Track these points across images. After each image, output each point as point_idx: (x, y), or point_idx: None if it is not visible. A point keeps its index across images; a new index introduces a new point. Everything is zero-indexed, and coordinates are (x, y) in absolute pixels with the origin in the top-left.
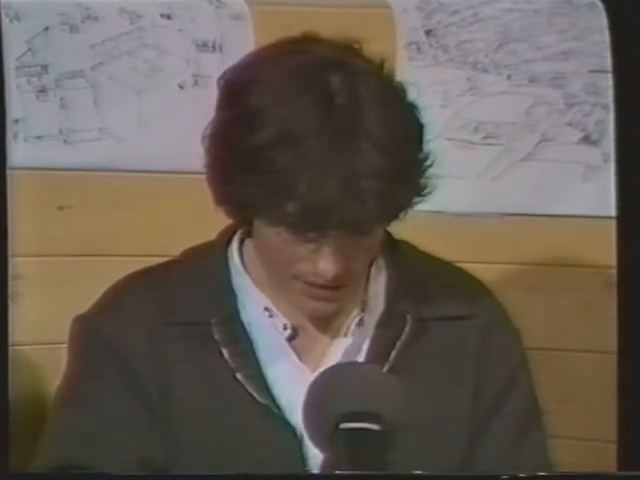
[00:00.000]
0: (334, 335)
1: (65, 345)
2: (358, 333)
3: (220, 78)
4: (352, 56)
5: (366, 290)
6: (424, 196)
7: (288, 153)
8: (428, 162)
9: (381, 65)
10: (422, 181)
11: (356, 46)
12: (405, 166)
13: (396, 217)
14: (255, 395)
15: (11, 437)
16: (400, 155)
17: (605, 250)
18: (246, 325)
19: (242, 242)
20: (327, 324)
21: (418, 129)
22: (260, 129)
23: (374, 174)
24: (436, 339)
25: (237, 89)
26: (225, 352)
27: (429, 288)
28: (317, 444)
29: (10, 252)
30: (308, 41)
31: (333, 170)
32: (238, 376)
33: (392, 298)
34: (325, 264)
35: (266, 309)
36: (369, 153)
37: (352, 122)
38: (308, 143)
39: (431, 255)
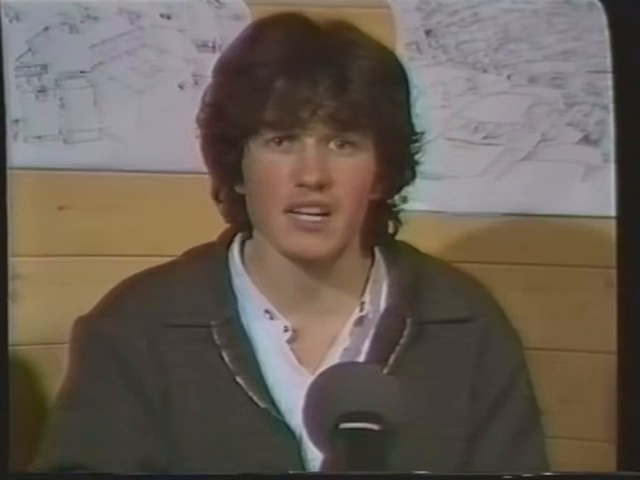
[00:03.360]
0: (333, 337)
1: (65, 345)
2: (357, 334)
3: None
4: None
5: (365, 292)
6: (416, 133)
7: (264, 57)
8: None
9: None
10: (413, 116)
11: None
12: (392, 83)
13: (379, 129)
14: (255, 399)
15: (11, 437)
16: (388, 73)
17: (605, 250)
18: (246, 327)
19: (243, 244)
20: (327, 324)
21: (403, 71)
22: (239, 58)
23: (361, 68)
24: (435, 342)
25: (223, 60)
26: (225, 355)
27: (429, 291)
28: (317, 444)
29: (10, 252)
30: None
31: (312, 68)
32: (238, 379)
33: (392, 300)
34: (307, 171)
35: (266, 311)
36: (357, 56)
37: (336, 40)
38: (285, 48)
39: (431, 257)
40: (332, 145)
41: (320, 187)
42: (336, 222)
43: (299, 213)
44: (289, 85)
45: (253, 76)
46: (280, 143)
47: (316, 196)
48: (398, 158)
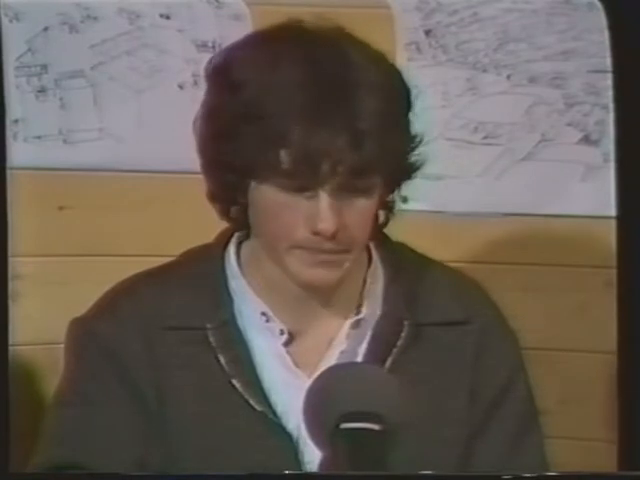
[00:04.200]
0: (330, 340)
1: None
2: (354, 336)
3: (206, 65)
4: (334, 30)
5: (361, 294)
6: (416, 146)
7: (277, 103)
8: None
9: (362, 39)
10: (413, 137)
11: (336, 25)
12: (397, 112)
13: (391, 171)
14: (251, 402)
15: (11, 437)
16: (392, 101)
17: (605, 250)
18: (242, 330)
19: (239, 245)
20: (324, 326)
21: (403, 83)
22: (246, 90)
23: (370, 115)
24: (432, 344)
25: (222, 68)
26: (221, 358)
27: (426, 293)
28: (318, 444)
29: (10, 252)
30: (290, 22)
31: (327, 116)
32: (234, 382)
33: (389, 302)
34: (324, 222)
35: (263, 314)
36: (364, 98)
37: (342, 73)
38: (297, 93)
39: (428, 258)
40: (347, 192)
41: (336, 237)
42: (348, 259)
43: (311, 253)
44: (305, 136)
45: (266, 121)
46: (295, 192)
47: (331, 244)
48: (401, 179)
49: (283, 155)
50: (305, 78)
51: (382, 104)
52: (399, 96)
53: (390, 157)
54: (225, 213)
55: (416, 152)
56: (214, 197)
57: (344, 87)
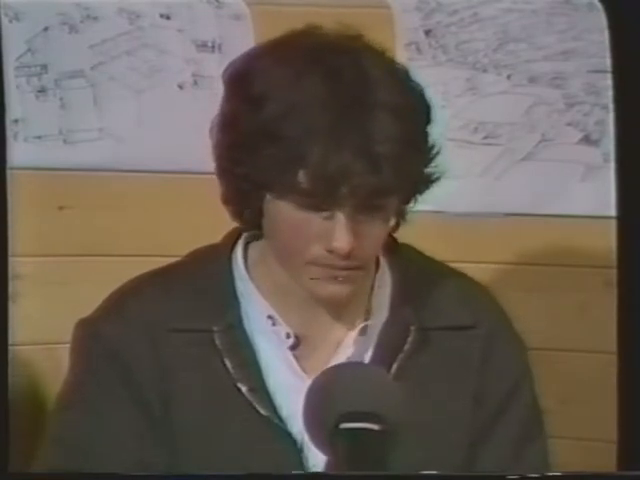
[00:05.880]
0: (337, 344)
1: (65, 345)
2: (361, 342)
3: (225, 70)
4: (354, 39)
5: (370, 299)
6: (432, 161)
7: (297, 123)
8: (433, 131)
9: (383, 49)
10: (430, 148)
11: (357, 33)
12: (416, 132)
13: (408, 189)
14: (256, 406)
15: (11, 437)
16: (411, 122)
17: (605, 250)
18: (249, 333)
19: (247, 246)
20: (331, 331)
21: (423, 100)
22: (267, 106)
23: (389, 139)
24: (438, 349)
25: (241, 78)
26: (227, 361)
27: (433, 296)
28: (318, 445)
29: (10, 252)
30: (310, 30)
31: (346, 138)
32: (240, 386)
33: (396, 307)
34: (339, 241)
35: (269, 317)
36: (383, 119)
37: (362, 93)
38: (317, 113)
39: (435, 261)
40: (364, 213)
41: (351, 256)
42: (361, 275)
43: (326, 269)
44: (325, 158)
45: (286, 142)
46: (312, 210)
47: (345, 262)
48: (418, 193)
49: (301, 175)
50: (326, 98)
51: (402, 126)
52: (419, 114)
53: (409, 177)
54: (238, 215)
55: (433, 164)
56: (227, 200)
57: (364, 107)
